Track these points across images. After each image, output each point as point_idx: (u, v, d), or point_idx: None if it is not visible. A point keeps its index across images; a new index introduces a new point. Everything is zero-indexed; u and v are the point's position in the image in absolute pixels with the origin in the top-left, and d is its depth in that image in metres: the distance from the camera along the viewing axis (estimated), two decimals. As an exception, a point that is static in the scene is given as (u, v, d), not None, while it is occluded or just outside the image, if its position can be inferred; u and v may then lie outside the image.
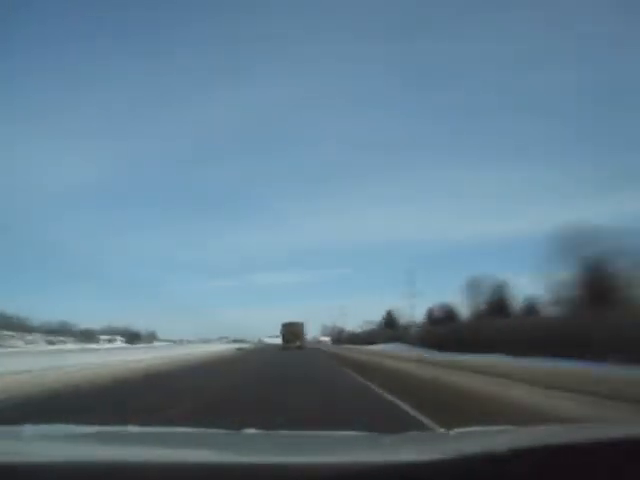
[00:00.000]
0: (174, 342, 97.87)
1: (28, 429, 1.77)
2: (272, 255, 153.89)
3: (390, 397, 8.87)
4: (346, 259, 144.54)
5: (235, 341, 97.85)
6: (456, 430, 1.75)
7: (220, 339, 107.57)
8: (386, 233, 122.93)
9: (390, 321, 61.77)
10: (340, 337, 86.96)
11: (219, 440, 1.91)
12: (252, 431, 1.92)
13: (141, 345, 72.03)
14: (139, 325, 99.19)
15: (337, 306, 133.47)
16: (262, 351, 46.74)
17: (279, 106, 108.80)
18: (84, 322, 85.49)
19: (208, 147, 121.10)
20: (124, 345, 74.85)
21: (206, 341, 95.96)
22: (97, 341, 79.66)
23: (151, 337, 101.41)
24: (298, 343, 55.00)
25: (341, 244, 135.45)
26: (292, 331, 57.68)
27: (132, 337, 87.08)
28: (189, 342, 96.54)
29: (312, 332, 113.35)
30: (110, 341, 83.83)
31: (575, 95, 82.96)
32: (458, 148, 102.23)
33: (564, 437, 1.48)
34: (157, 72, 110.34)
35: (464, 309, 42.01)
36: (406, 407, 7.51)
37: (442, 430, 1.86)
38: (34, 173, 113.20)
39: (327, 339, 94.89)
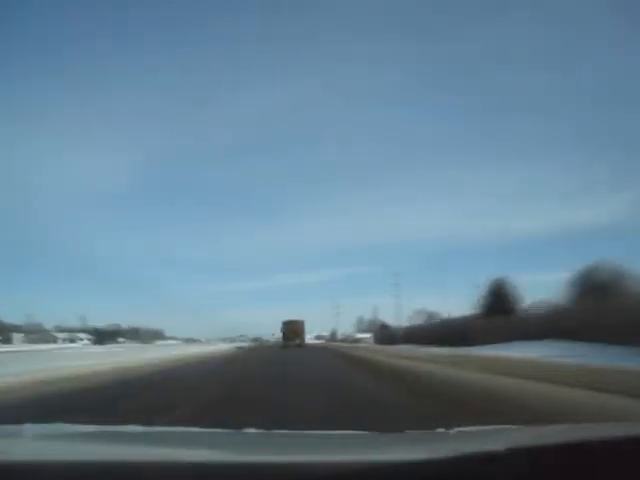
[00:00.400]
0: (185, 341, 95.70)
1: (28, 428, 1.76)
2: (288, 256, 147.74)
3: None
4: (364, 258, 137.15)
5: (254, 340, 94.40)
6: (455, 429, 1.73)
7: (239, 337, 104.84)
8: (397, 232, 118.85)
9: (500, 301, 32.62)
10: (383, 334, 63.85)
11: (219, 440, 1.90)
12: (252, 430, 1.91)
13: (112, 345, 60.73)
14: (143, 324, 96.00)
15: (360, 304, 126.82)
16: (262, 349, 45.15)
17: (288, 107, 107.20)
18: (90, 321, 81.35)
19: (218, 147, 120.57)
20: (77, 346, 53.77)
21: (223, 340, 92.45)
22: (54, 340, 60.65)
23: (154, 336, 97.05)
24: (298, 341, 53.69)
25: (352, 244, 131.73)
26: (292, 329, 56.18)
27: (103, 336, 65.81)
28: (194, 341, 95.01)
29: (343, 328, 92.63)
30: (71, 340, 63.48)
31: (577, 95, 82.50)
32: (480, 146, 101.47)
33: (563, 436, 1.47)
34: (163, 70, 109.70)
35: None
36: None
37: (441, 429, 1.79)
38: (37, 171, 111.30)
39: (367, 336, 70.97)
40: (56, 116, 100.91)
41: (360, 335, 72.81)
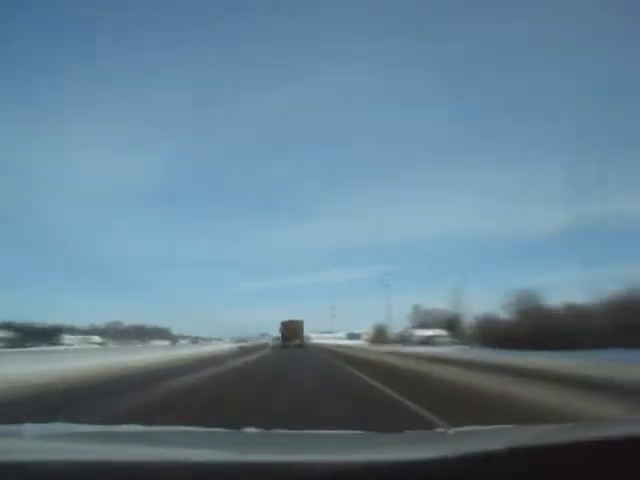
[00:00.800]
0: (193, 340, 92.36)
1: (28, 428, 1.75)
2: (307, 255, 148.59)
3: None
4: (390, 256, 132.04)
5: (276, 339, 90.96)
6: (455, 429, 1.74)
7: (262, 336, 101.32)
8: (423, 230, 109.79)
9: None
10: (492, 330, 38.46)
11: (219, 439, 1.90)
12: (252, 430, 1.92)
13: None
14: (149, 322, 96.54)
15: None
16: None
17: (310, 104, 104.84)
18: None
19: (221, 148, 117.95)
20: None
21: (244, 340, 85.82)
22: None
23: (159, 335, 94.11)
24: (297, 341, 53.39)
25: (362, 243, 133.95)
26: (291, 329, 56.11)
27: (32, 335, 43.70)
28: (204, 340, 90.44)
29: (394, 322, 66.19)
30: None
31: (577, 94, 79.35)
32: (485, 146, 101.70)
33: (563, 436, 1.46)
34: (177, 71, 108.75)
35: None
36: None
37: (441, 429, 1.91)
38: (58, 174, 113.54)
39: (441, 333, 45.23)
40: (66, 117, 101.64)
41: (423, 332, 46.77)
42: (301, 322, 57.76)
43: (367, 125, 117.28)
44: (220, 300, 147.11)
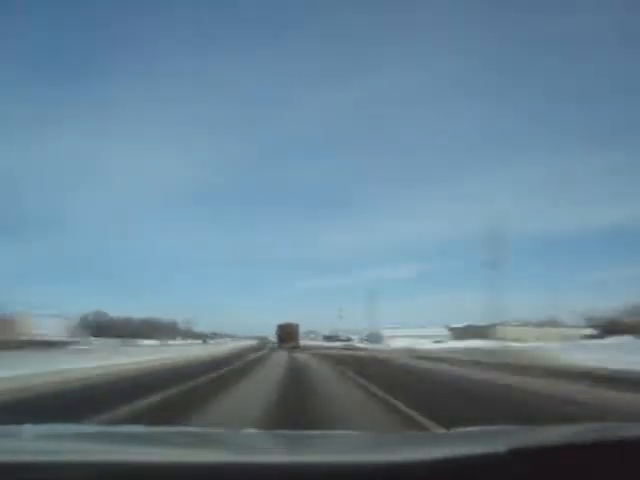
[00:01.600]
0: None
1: (28, 428, 1.76)
2: (376, 251, 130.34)
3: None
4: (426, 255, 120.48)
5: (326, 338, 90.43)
6: (456, 430, 1.75)
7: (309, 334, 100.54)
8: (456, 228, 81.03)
9: None
10: None
11: (219, 440, 1.89)
12: (252, 431, 1.92)
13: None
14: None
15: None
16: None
17: (352, 107, 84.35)
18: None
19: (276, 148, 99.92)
20: None
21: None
22: None
23: (160, 330, 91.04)
24: (293, 343, 55.67)
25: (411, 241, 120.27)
26: (287, 332, 58.65)
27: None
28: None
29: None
30: None
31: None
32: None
33: (564, 437, 1.46)
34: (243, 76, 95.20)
35: None
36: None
37: (442, 430, 1.84)
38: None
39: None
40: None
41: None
42: (296, 325, 61.33)
43: (425, 126, 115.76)
44: (273, 298, 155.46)
